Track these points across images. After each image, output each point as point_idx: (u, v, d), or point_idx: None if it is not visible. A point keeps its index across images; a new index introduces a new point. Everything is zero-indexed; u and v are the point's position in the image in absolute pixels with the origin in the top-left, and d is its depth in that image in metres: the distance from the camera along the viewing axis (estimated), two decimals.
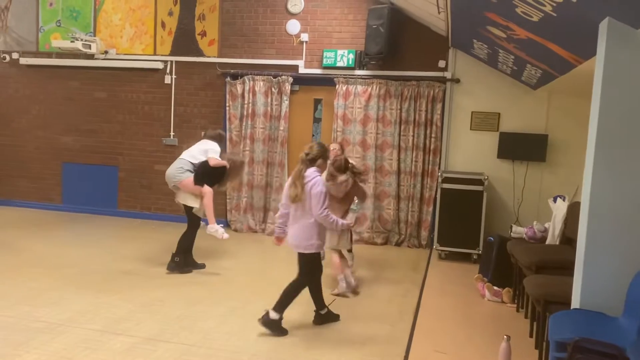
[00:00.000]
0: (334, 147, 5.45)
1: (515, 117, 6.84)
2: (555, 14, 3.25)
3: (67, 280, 5.08)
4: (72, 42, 7.66)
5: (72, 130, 8.30)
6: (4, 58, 8.39)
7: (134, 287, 4.97)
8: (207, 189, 5.53)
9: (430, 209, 7.11)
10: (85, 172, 8.33)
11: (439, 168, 7.06)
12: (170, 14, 7.79)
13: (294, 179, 4.09)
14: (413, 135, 7.13)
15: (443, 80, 7.01)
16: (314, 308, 4.33)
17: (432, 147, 7.08)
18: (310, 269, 4.18)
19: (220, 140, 5.83)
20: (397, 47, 7.04)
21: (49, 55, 8.25)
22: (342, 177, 4.36)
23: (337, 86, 7.22)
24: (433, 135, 7.07)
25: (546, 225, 5.24)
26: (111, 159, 8.19)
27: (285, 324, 4.13)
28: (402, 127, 7.17)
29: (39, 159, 8.46)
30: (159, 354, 3.61)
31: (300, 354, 3.77)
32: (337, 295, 4.97)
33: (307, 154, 4.12)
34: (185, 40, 7.76)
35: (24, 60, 8.30)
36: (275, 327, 4.03)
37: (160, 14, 7.83)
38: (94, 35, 8.01)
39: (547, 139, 6.68)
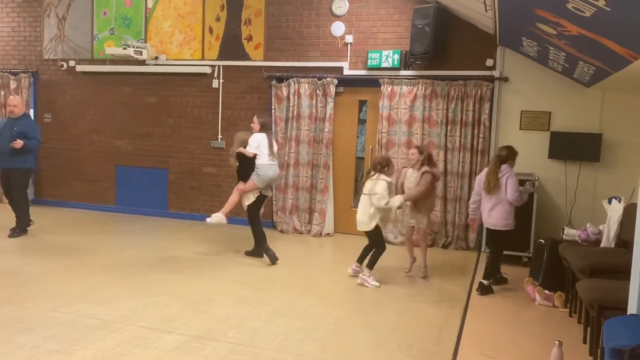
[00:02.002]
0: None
1: (567, 116, 6.62)
2: (609, 9, 3.13)
3: (120, 279, 5.26)
4: (124, 49, 7.94)
5: (125, 134, 8.59)
6: (62, 66, 8.78)
7: (183, 286, 5.10)
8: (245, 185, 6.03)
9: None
10: (137, 175, 8.61)
11: None
12: (218, 19, 7.96)
13: (488, 174, 5.23)
14: (460, 136, 7.01)
15: (491, 79, 6.86)
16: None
17: (479, 147, 6.95)
18: (502, 242, 5.36)
19: (267, 129, 6.24)
20: (443, 47, 6.95)
21: (103, 62, 8.58)
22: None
23: (382, 87, 7.19)
24: (481, 135, 6.93)
25: (600, 227, 5.05)
26: (162, 162, 8.44)
27: (331, 323, 4.15)
28: (449, 128, 7.06)
29: (94, 162, 8.80)
30: (207, 352, 3.70)
31: (344, 355, 3.77)
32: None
33: (499, 156, 5.27)
34: (232, 44, 7.91)
35: (80, 68, 8.66)
36: (489, 290, 5.22)
37: (208, 20, 8.01)
38: (145, 42, 8.27)
39: (601, 138, 6.43)
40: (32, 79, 8.90)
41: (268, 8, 7.72)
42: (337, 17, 7.43)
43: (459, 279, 5.76)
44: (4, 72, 8.96)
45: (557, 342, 3.30)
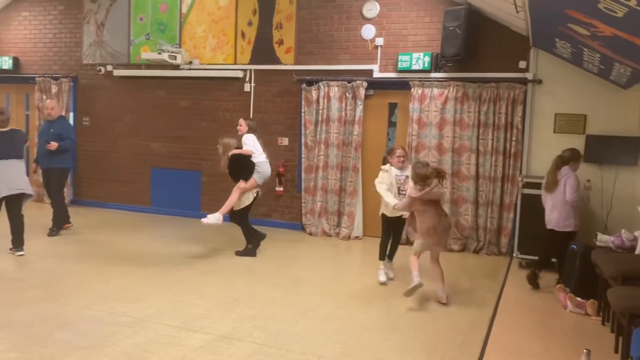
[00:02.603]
0: (400, 154, 5.57)
1: (604, 119, 6.44)
2: None
3: (151, 278, 5.39)
4: (159, 53, 8.13)
5: (160, 137, 8.80)
6: (100, 70, 9.06)
7: (212, 286, 5.19)
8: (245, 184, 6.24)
9: (511, 215, 6.85)
10: (171, 177, 8.79)
11: (520, 173, 6.79)
12: (250, 24, 8.07)
13: (547, 173, 5.42)
14: (492, 139, 6.91)
15: (524, 82, 6.74)
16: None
17: (512, 150, 6.83)
18: (561, 244, 5.29)
19: (254, 132, 6.40)
20: (474, 49, 6.86)
21: (139, 66, 8.81)
22: (433, 182, 4.91)
23: (412, 89, 7.15)
24: (513, 138, 6.81)
25: (636, 234, 4.89)
26: (195, 164, 8.60)
27: (356, 326, 4.15)
28: (481, 131, 6.97)
29: (130, 164, 9.04)
30: (231, 352, 3.75)
31: (366, 359, 3.77)
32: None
33: (561, 157, 5.37)
34: (263, 49, 8.00)
35: (117, 72, 8.91)
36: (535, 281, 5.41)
37: (241, 25, 8.13)
38: (180, 47, 8.45)
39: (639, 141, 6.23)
40: (72, 84, 9.21)
41: (299, 12, 7.78)
42: (368, 20, 7.43)
43: (489, 285, 5.66)
44: (45, 77, 9.30)
45: (585, 350, 3.21)
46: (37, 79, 9.33)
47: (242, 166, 6.16)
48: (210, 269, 5.85)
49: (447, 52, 6.83)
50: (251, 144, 6.21)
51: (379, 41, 7.37)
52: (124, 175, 9.10)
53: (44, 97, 9.21)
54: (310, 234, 7.69)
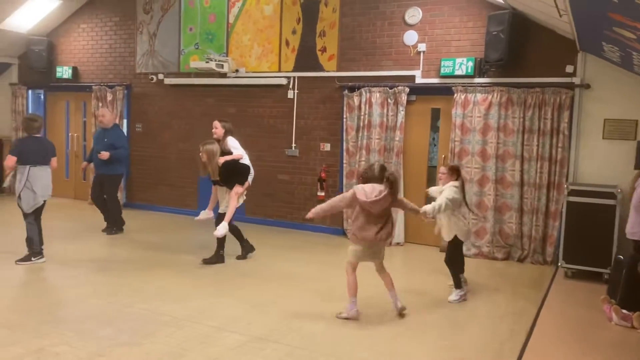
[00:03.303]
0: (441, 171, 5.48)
1: None
2: None
3: (193, 279, 5.57)
4: (207, 62, 8.39)
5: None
6: (152, 79, 9.44)
7: (249, 288, 5.32)
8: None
9: (557, 223, 6.66)
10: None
11: (566, 180, 6.60)
12: (294, 32, 8.21)
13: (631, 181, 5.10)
14: (537, 145, 6.75)
15: (571, 87, 6.55)
16: None
17: (558, 157, 6.65)
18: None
19: (232, 134, 6.28)
20: (519, 53, 6.74)
21: (188, 75, 9.12)
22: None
23: (455, 95, 7.08)
24: (560, 144, 6.63)
25: None
26: None
27: (390, 332, 4.15)
28: (526, 137, 6.82)
29: (179, 169, 9.35)
30: (266, 353, 3.84)
31: None
32: (345, 318, 4.55)
33: None
34: (306, 56, 8.13)
35: (167, 81, 9.26)
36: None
37: (285, 33, 8.29)
38: (227, 56, 8.70)
39: None
40: (125, 92, 9.63)
41: (342, 20, 7.86)
42: (410, 26, 7.42)
43: (531, 294, 5.53)
44: (101, 85, 9.77)
45: None
46: (93, 87, 9.81)
47: (237, 171, 6.08)
48: (249, 271, 5.98)
49: (490, 57, 6.73)
50: (239, 147, 6.18)
51: (422, 47, 7.34)
52: (173, 180, 9.43)
53: (100, 104, 9.67)
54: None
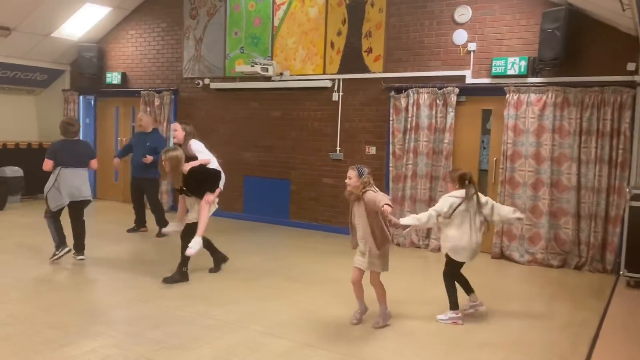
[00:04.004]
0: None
1: None
2: None
3: (240, 282, 5.53)
4: (252, 66, 8.41)
5: (252, 147, 9.08)
6: (198, 84, 9.53)
7: (297, 293, 5.23)
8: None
9: (617, 229, 6.31)
10: (262, 185, 9.03)
11: (628, 183, 6.24)
12: (339, 34, 8.12)
13: None
14: (596, 147, 6.42)
15: (633, 85, 6.19)
16: None
17: (619, 159, 6.30)
18: None
19: (194, 136, 5.70)
20: (575, 51, 6.43)
21: (233, 79, 9.17)
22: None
23: (507, 95, 6.83)
24: (620, 146, 6.29)
25: None
26: (284, 173, 8.77)
27: (443, 342, 3.98)
28: (583, 138, 6.51)
29: (225, 172, 9.32)
30: None
31: None
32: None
33: None
34: (352, 58, 8.02)
35: (213, 85, 9.33)
36: None
37: (330, 35, 8.21)
38: (272, 59, 8.69)
39: None
40: (173, 96, 9.77)
41: (389, 20, 7.72)
42: (460, 25, 7.21)
43: (591, 304, 5.23)
44: (149, 90, 9.94)
45: None
46: (142, 92, 9.99)
47: (206, 178, 5.41)
48: (295, 275, 5.90)
49: (545, 55, 6.46)
50: (205, 151, 5.62)
51: (472, 46, 7.12)
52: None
53: (148, 109, 9.84)
54: (398, 244, 7.55)
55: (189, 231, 5.44)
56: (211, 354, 3.77)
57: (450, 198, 4.54)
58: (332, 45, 8.19)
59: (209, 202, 5.39)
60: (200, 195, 5.34)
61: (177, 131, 5.72)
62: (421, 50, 7.50)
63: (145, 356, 3.69)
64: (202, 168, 5.43)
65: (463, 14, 7.18)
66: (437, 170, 7.33)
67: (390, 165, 7.67)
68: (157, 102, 9.82)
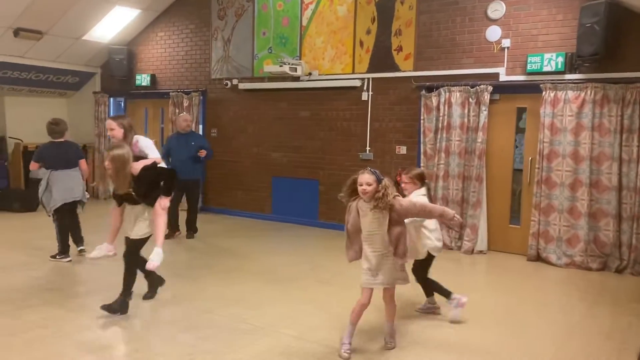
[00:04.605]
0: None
1: None
2: None
3: (270, 285, 5.47)
4: (280, 66, 8.35)
5: (281, 147, 9.03)
6: (226, 84, 9.52)
7: (330, 296, 5.14)
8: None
9: None
10: (290, 185, 8.97)
11: None
12: (368, 32, 8.01)
13: None
14: (638, 145, 6.19)
15: None
16: None
17: None
18: None
19: (135, 133, 4.80)
20: (616, 46, 6.19)
21: (262, 79, 9.13)
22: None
23: (543, 93, 6.62)
24: None
25: None
26: (313, 173, 8.70)
27: (481, 349, 3.85)
28: (624, 137, 6.26)
29: (253, 173, 9.37)
30: None
31: None
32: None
33: None
34: (381, 56, 7.90)
35: (242, 85, 9.31)
36: None
37: (359, 34, 8.10)
38: (300, 59, 8.62)
39: None
40: (201, 98, 9.78)
41: (419, 17, 7.57)
42: (493, 21, 7.02)
43: (636, 309, 5.01)
44: (178, 92, 9.98)
45: None
46: (171, 94, 10.03)
47: (160, 179, 4.50)
48: (328, 278, 5.82)
49: (584, 51, 6.23)
50: (154, 148, 4.84)
51: (506, 43, 6.93)
52: (247, 184, 9.46)
53: (177, 110, 9.86)
54: None
55: (133, 248, 4.48)
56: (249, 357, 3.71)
57: (424, 197, 4.47)
58: (362, 44, 8.08)
59: (165, 208, 4.50)
60: (151, 202, 4.43)
61: (113, 130, 4.68)
62: (453, 48, 7.33)
63: None
64: (156, 168, 4.57)
65: (497, 9, 6.99)
66: (470, 170, 7.15)
67: (422, 165, 7.52)
68: (185, 103, 9.84)
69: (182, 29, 10.08)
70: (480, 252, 7.10)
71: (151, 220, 4.47)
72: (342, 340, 3.83)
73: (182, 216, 7.66)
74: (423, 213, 3.91)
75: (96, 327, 4.20)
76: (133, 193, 4.37)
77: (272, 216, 9.14)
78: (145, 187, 4.38)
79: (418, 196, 4.49)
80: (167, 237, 7.28)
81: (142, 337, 4.05)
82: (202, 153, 7.44)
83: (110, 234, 4.73)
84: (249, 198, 9.46)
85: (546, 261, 6.68)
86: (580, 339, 4.28)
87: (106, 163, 4.29)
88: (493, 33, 7.01)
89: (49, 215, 6.23)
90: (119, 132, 4.68)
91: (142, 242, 4.51)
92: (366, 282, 3.79)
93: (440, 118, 7.31)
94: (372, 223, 3.73)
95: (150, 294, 4.89)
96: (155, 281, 4.94)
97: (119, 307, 4.40)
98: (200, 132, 9.82)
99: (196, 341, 3.98)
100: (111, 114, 11.27)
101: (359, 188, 3.75)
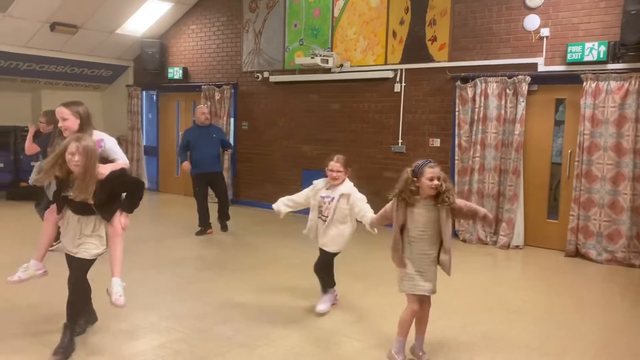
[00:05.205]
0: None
1: None
2: None
3: (304, 279, 5.40)
4: (311, 58, 8.28)
5: (311, 140, 8.97)
6: (257, 77, 9.51)
7: (364, 291, 5.09)
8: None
9: None
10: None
11: None
12: (402, 22, 7.87)
13: None
14: None
15: None
16: None
17: None
18: None
19: (89, 124, 3.75)
20: None
21: (292, 72, 9.08)
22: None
23: (584, 83, 6.39)
24: None
25: None
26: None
27: (521, 346, 3.74)
28: None
29: (283, 166, 9.35)
30: None
31: None
32: None
33: None
34: (415, 47, 7.76)
35: (272, 78, 9.28)
36: None
37: (392, 24, 7.97)
38: (331, 50, 8.54)
39: None
40: (232, 90, 9.79)
41: (454, 6, 7.40)
42: (531, 10, 6.81)
43: None
44: (210, 85, 10.01)
45: None
46: (202, 87, 10.07)
47: (125, 190, 3.63)
48: (361, 272, 5.76)
49: (628, 39, 5.99)
50: (120, 150, 3.79)
51: (545, 32, 6.71)
52: (277, 177, 9.44)
53: (208, 103, 9.90)
54: (464, 240, 7.26)
55: (82, 272, 3.55)
56: (281, 353, 3.68)
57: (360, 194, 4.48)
58: (395, 34, 7.95)
59: (126, 228, 3.63)
60: (108, 216, 3.53)
61: (66, 120, 3.65)
62: (489, 38, 7.15)
63: (215, 352, 3.65)
64: (125, 175, 3.68)
65: None
66: (507, 163, 6.97)
67: (456, 158, 7.38)
68: (217, 96, 9.87)
69: (213, 21, 10.10)
70: (517, 247, 6.93)
71: (105, 238, 3.55)
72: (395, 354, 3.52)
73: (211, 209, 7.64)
74: (469, 214, 3.57)
75: (135, 317, 4.23)
76: (93, 201, 3.40)
77: (302, 209, 9.08)
78: (107, 196, 3.46)
79: (350, 187, 4.53)
80: (198, 234, 7.27)
81: (178, 328, 4.05)
82: (228, 152, 7.57)
83: (39, 248, 3.68)
84: (279, 191, 9.33)
85: (585, 257, 6.47)
86: (623, 339, 4.12)
87: (76, 157, 3.27)
88: (531, 22, 6.80)
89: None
90: (73, 124, 3.66)
91: (92, 263, 3.56)
92: (418, 287, 3.40)
93: (476, 110, 7.14)
94: (426, 223, 3.37)
95: (81, 330, 3.79)
96: (88, 318, 3.90)
97: (69, 344, 3.50)
98: (232, 126, 9.85)
99: (232, 333, 3.97)
100: (144, 107, 11.39)
101: (430, 183, 3.29)
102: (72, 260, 3.54)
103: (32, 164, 6.66)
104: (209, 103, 9.87)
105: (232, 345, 3.76)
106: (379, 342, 3.89)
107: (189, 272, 5.64)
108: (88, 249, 3.50)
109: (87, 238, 3.50)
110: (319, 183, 4.68)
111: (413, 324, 3.54)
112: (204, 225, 7.36)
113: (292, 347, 3.77)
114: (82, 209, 3.47)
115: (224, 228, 7.55)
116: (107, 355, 3.59)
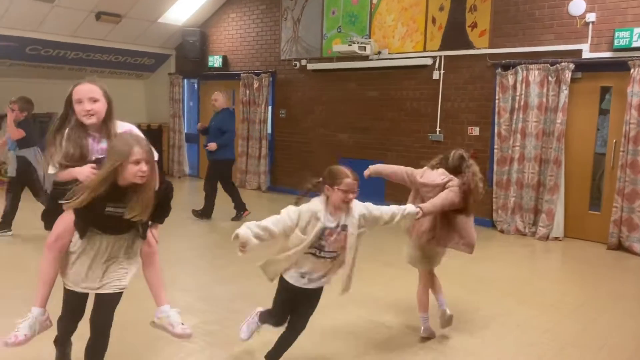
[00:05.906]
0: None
1: None
2: None
3: None
4: (349, 45, 8.24)
5: (348, 128, 8.97)
6: (295, 65, 9.55)
7: (395, 279, 5.08)
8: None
9: None
10: (357, 167, 8.74)
11: None
12: (441, 9, 7.74)
13: None
14: None
15: None
16: None
17: None
18: None
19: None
20: None
21: (330, 59, 9.07)
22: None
23: (632, 70, 6.15)
24: None
25: None
26: (380, 155, 8.57)
27: (555, 339, 3.67)
28: None
29: (320, 154, 9.38)
30: (415, 350, 3.59)
31: None
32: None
33: None
34: (454, 33, 7.62)
35: (310, 66, 9.30)
36: None
37: (432, 10, 7.85)
38: (369, 37, 8.48)
39: None
40: (270, 79, 9.86)
41: None
42: None
43: None
44: (249, 73, 10.11)
45: None
46: (241, 75, 10.18)
47: (164, 197, 2.74)
48: (392, 261, 5.71)
49: None
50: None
51: (590, 17, 6.48)
52: (314, 165, 9.46)
53: (247, 92, 10.01)
54: (502, 231, 7.14)
55: (111, 308, 2.73)
56: (314, 337, 3.72)
57: None
58: (434, 21, 7.82)
59: (158, 242, 2.93)
60: (144, 232, 2.74)
61: (97, 102, 2.75)
62: (532, 24, 6.95)
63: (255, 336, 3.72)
64: (163, 179, 2.75)
65: None
66: (548, 153, 6.80)
67: (495, 147, 7.24)
68: (255, 84, 9.96)
69: (252, 9, 10.18)
70: (556, 238, 6.77)
71: (134, 259, 2.78)
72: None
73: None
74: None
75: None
76: (141, 218, 2.58)
77: None
78: (154, 208, 2.65)
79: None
80: (233, 219, 7.18)
81: (211, 310, 4.16)
82: (209, 147, 7.09)
83: (41, 288, 2.70)
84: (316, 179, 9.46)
85: (629, 250, 6.27)
86: None
87: (143, 166, 2.45)
88: (576, 7, 6.58)
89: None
90: (103, 107, 2.76)
91: (121, 295, 2.75)
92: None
93: (517, 98, 6.98)
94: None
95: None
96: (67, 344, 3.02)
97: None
98: (269, 113, 9.92)
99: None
100: (185, 95, 11.61)
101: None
102: (98, 298, 2.69)
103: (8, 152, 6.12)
104: (247, 92, 9.97)
105: (265, 327, 3.83)
106: (409, 327, 3.90)
107: (223, 254, 5.73)
108: (120, 278, 2.69)
109: (114, 265, 2.67)
110: (315, 207, 3.08)
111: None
112: (238, 209, 7.31)
113: (327, 332, 3.81)
114: (121, 228, 2.61)
115: (235, 217, 7.27)
116: (141, 334, 3.71)
